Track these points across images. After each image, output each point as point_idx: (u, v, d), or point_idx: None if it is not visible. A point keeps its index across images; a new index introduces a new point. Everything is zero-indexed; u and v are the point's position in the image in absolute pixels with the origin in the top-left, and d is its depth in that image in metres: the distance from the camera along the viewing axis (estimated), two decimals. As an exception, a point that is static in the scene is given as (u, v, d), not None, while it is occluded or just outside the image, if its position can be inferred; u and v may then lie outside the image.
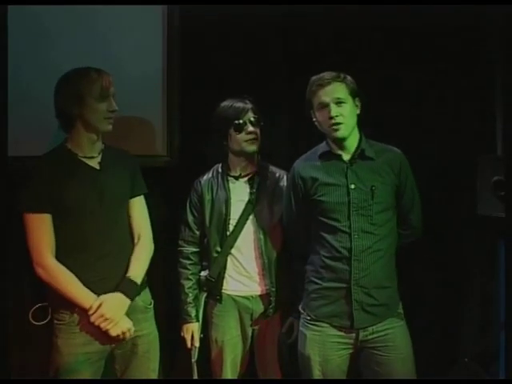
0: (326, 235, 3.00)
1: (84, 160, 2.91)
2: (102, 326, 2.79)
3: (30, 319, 2.93)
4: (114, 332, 2.81)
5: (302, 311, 3.09)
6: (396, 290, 3.10)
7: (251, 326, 3.25)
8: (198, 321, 3.25)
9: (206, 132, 3.60)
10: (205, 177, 3.31)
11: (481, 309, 3.83)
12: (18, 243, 3.42)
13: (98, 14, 3.43)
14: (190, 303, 3.24)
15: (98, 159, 2.93)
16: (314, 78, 3.04)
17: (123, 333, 2.84)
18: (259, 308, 3.23)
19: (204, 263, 3.30)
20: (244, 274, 3.22)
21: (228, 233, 3.20)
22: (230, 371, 3.24)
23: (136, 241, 2.99)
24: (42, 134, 3.38)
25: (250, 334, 3.26)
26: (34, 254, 2.83)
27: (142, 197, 3.05)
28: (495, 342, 3.75)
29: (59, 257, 2.83)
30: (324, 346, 3.00)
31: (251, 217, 3.21)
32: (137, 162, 3.08)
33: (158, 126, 3.59)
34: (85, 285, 2.81)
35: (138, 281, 2.92)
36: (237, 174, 3.25)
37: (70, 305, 2.81)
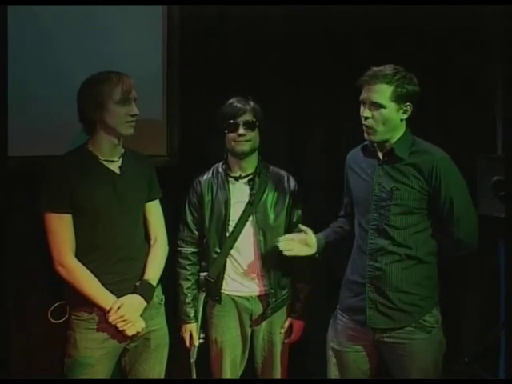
0: (355, 227, 3.02)
1: (105, 163, 2.93)
2: (119, 325, 2.86)
3: (49, 317, 2.97)
4: (130, 332, 2.89)
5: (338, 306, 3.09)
6: (425, 299, 2.96)
7: (250, 326, 3.25)
8: (196, 321, 3.24)
9: (205, 132, 3.61)
10: (204, 176, 3.29)
11: (481, 309, 3.83)
12: (19, 243, 3.45)
13: (98, 14, 3.43)
14: (189, 303, 3.24)
15: (119, 163, 2.96)
16: (374, 68, 2.88)
17: (138, 332, 2.91)
18: (258, 308, 3.23)
19: (203, 264, 3.29)
20: (243, 274, 3.22)
21: (227, 234, 3.19)
22: (229, 371, 3.24)
23: (152, 243, 3.04)
24: (42, 134, 3.38)
25: (249, 334, 3.26)
26: (54, 253, 2.85)
27: (157, 201, 3.11)
28: (495, 341, 3.75)
29: (78, 257, 2.87)
30: (342, 336, 2.99)
31: (251, 218, 3.20)
32: (153, 166, 3.13)
33: (158, 126, 3.59)
34: (104, 286, 2.86)
35: (155, 283, 2.98)
36: (237, 175, 3.24)
37: (89, 304, 2.86)
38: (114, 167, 2.94)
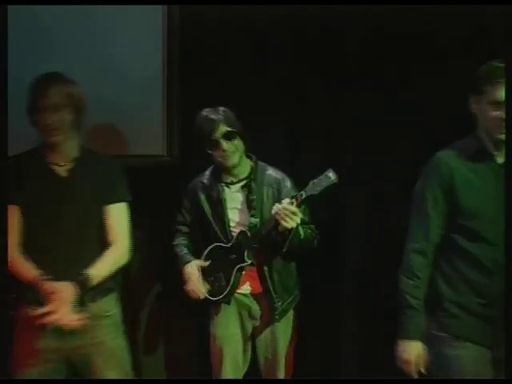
0: (466, 243, 2.67)
1: (52, 166, 2.89)
2: (47, 309, 2.72)
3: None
4: (62, 320, 2.73)
5: (435, 332, 2.73)
6: None
7: (251, 323, 3.22)
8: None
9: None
10: (198, 182, 3.27)
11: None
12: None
13: (97, 14, 3.43)
14: (186, 253, 3.24)
15: (69, 166, 2.89)
16: (497, 64, 2.68)
17: (71, 321, 2.75)
18: (257, 306, 3.20)
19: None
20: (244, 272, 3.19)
21: (228, 235, 3.16)
22: (230, 369, 3.21)
23: (109, 247, 2.91)
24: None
25: (249, 331, 3.23)
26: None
27: (121, 204, 2.97)
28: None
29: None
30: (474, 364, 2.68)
31: (249, 221, 3.15)
32: (120, 169, 3.00)
33: (158, 126, 3.59)
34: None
35: (93, 279, 2.81)
36: (228, 181, 3.20)
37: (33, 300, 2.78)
38: (62, 171, 2.89)
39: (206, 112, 3.13)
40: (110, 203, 2.94)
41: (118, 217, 2.96)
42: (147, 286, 3.67)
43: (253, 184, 3.17)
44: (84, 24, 3.42)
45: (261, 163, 3.24)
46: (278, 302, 3.15)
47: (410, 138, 3.76)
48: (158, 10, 3.54)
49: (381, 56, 3.72)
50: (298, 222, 2.97)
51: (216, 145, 3.08)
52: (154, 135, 3.58)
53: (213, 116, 3.09)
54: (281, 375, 3.24)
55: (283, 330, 3.23)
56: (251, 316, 3.22)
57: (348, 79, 3.75)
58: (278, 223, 2.97)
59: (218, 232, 3.18)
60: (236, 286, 3.13)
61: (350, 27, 3.68)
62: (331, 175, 2.95)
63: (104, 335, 2.90)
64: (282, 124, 3.77)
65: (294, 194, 3.08)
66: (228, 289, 3.11)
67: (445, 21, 3.62)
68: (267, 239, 3.07)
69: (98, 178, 2.92)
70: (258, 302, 3.21)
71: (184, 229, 3.32)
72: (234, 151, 3.10)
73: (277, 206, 2.97)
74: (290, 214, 2.94)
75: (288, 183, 3.21)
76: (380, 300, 3.74)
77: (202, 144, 3.12)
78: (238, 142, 3.12)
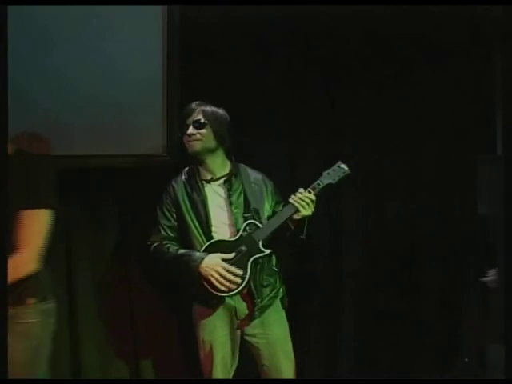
0: None
1: None
2: None
3: None
4: None
5: None
6: None
7: (238, 326, 3.18)
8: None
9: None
10: (178, 180, 3.26)
11: (481, 309, 3.83)
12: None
13: (97, 14, 3.43)
14: (191, 250, 3.13)
15: None
16: None
17: None
18: (243, 306, 3.16)
19: None
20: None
21: (211, 238, 3.14)
22: (220, 371, 3.18)
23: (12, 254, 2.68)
24: (41, 134, 3.38)
25: (237, 332, 3.19)
26: None
27: (38, 211, 2.70)
28: (495, 341, 3.75)
29: None
30: None
31: (231, 220, 3.15)
32: (46, 172, 2.76)
33: (158, 125, 3.59)
34: None
35: None
36: (208, 178, 3.21)
37: None
38: None
39: (189, 104, 3.24)
40: (26, 208, 2.68)
41: (29, 223, 2.70)
42: (148, 283, 3.66)
43: (233, 179, 3.20)
44: (84, 24, 3.42)
45: (240, 164, 3.28)
46: (258, 298, 3.14)
47: (410, 137, 3.77)
48: (158, 10, 3.54)
49: (379, 55, 3.72)
50: (313, 210, 3.08)
51: (185, 129, 3.19)
52: (153, 135, 3.58)
53: (191, 106, 3.22)
54: (281, 373, 3.21)
55: (276, 330, 3.20)
56: (237, 316, 3.17)
57: (348, 79, 3.76)
58: (295, 212, 3.06)
59: (197, 230, 3.15)
60: (251, 277, 3.10)
61: (349, 27, 3.68)
62: (344, 166, 3.11)
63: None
64: (282, 124, 3.77)
65: (277, 193, 3.23)
66: (245, 281, 3.07)
67: (444, 21, 3.63)
68: (283, 228, 3.11)
69: (21, 181, 2.69)
70: (242, 302, 3.16)
71: (170, 233, 3.21)
72: (198, 139, 3.17)
73: (297, 195, 3.07)
74: (310, 201, 3.06)
75: (269, 182, 3.27)
76: (380, 300, 3.75)
77: (180, 129, 3.23)
78: (206, 133, 3.18)
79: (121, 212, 3.63)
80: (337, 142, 3.80)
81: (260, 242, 3.10)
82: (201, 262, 3.06)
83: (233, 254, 3.09)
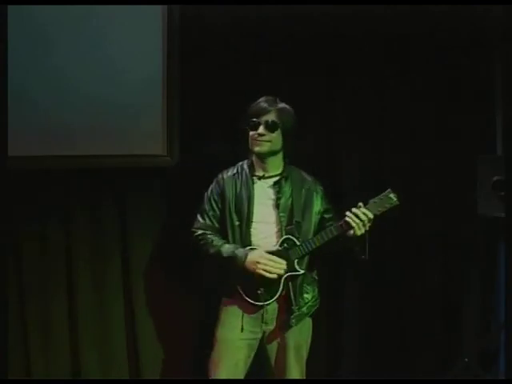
0: None
1: None
2: None
3: None
4: None
5: None
6: None
7: (262, 328, 3.09)
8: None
9: (205, 132, 3.61)
10: (229, 173, 3.20)
11: (481, 309, 3.83)
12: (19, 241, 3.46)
13: (97, 14, 3.43)
14: (235, 246, 3.06)
15: None
16: None
17: None
18: (272, 310, 3.08)
19: None
20: None
21: (249, 234, 3.09)
22: (225, 376, 3.08)
23: None
24: (42, 134, 3.38)
25: (259, 336, 3.10)
26: None
27: None
28: (495, 342, 3.75)
29: None
30: None
31: (275, 220, 3.11)
32: None
33: (158, 126, 3.58)
34: None
35: None
36: (260, 175, 3.15)
37: None
38: None
39: (264, 98, 3.12)
40: None
41: None
42: (148, 283, 3.66)
43: (283, 182, 3.14)
44: (84, 24, 3.42)
45: (292, 166, 3.20)
46: (296, 305, 3.07)
47: (410, 137, 3.77)
48: (158, 10, 3.54)
49: (380, 56, 3.72)
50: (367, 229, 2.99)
51: (255, 126, 3.08)
52: (153, 135, 3.58)
53: (267, 104, 3.09)
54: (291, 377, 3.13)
55: (297, 336, 3.12)
56: (263, 320, 3.08)
57: (348, 79, 3.76)
58: (346, 230, 2.99)
59: (235, 225, 3.10)
60: (281, 294, 3.05)
61: (349, 27, 3.68)
62: (392, 196, 2.98)
63: None
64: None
65: (327, 199, 3.15)
66: (276, 296, 3.03)
67: (444, 21, 3.63)
68: (328, 248, 3.05)
69: None
70: (271, 306, 3.07)
71: (211, 230, 3.15)
72: (268, 140, 3.08)
73: (354, 213, 2.96)
74: (366, 221, 2.97)
75: (320, 187, 3.20)
76: (380, 299, 3.75)
77: (245, 120, 3.11)
78: (276, 136, 3.10)
79: (120, 212, 3.63)
80: (337, 142, 3.80)
81: (296, 261, 3.05)
82: (245, 259, 3.01)
83: (277, 247, 3.05)
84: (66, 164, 3.49)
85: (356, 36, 3.70)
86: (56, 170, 3.49)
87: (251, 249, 3.04)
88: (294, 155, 3.19)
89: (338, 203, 3.22)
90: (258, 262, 2.99)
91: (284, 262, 3.00)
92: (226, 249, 3.06)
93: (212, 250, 3.08)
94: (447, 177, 3.77)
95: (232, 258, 3.03)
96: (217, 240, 3.10)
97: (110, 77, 3.48)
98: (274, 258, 3.01)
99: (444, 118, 3.78)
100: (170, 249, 3.38)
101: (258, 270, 2.99)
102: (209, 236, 3.12)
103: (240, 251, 3.04)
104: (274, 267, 2.99)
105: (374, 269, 3.73)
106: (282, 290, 3.03)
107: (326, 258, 3.18)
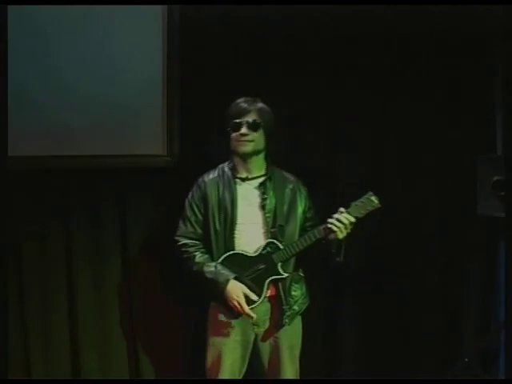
0: None
1: None
2: None
3: None
4: None
5: None
6: None
7: (253, 330, 3.12)
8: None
9: (206, 132, 3.61)
10: (210, 176, 3.20)
11: (481, 309, 3.83)
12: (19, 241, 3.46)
13: (97, 15, 3.43)
14: (219, 267, 3.06)
15: None
16: None
17: None
18: (264, 311, 3.11)
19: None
20: None
21: (235, 235, 3.10)
22: (228, 377, 3.11)
23: None
24: (42, 134, 3.38)
25: (251, 338, 3.12)
26: None
27: None
28: (495, 342, 3.75)
29: None
30: None
31: (261, 221, 3.12)
32: None
33: (158, 126, 3.59)
34: None
35: None
36: (243, 176, 3.15)
37: None
38: None
39: (243, 99, 3.13)
40: None
41: None
42: (147, 283, 3.66)
43: (268, 183, 3.14)
44: (84, 24, 3.42)
45: (274, 166, 3.21)
46: (287, 305, 3.08)
47: (410, 137, 3.77)
48: (158, 10, 3.54)
49: (380, 56, 3.72)
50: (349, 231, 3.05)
51: (238, 127, 3.09)
52: (153, 135, 3.58)
53: (247, 104, 3.11)
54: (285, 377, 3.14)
55: (289, 335, 3.14)
56: (254, 322, 3.10)
57: (348, 79, 3.76)
58: (328, 233, 3.03)
59: (217, 229, 3.10)
60: (265, 297, 3.07)
61: (349, 27, 3.68)
62: (374, 199, 3.03)
63: None
64: (281, 123, 3.76)
65: (310, 198, 3.17)
66: (260, 301, 3.05)
67: (444, 21, 3.63)
68: (313, 250, 3.07)
69: None
70: (262, 307, 3.09)
71: (194, 236, 3.17)
72: (251, 140, 3.09)
73: (336, 217, 3.01)
74: (348, 224, 3.02)
75: (303, 187, 3.22)
76: (380, 299, 3.75)
77: (227, 121, 3.12)
78: (258, 135, 3.11)
79: (120, 212, 3.63)
80: (335, 139, 3.80)
81: (279, 264, 3.06)
82: (226, 286, 3.04)
83: (250, 271, 3.07)
84: (66, 164, 3.49)
85: (356, 36, 3.70)
86: (56, 170, 3.49)
87: (235, 278, 3.05)
88: (293, 155, 3.19)
89: (338, 203, 3.21)
90: (235, 299, 3.02)
91: (253, 315, 3.03)
92: (208, 270, 3.06)
93: (195, 268, 3.09)
94: (447, 177, 3.77)
95: (214, 281, 3.05)
96: (199, 255, 3.11)
97: (110, 77, 3.48)
98: (250, 296, 3.03)
99: (444, 118, 3.78)
100: (170, 249, 3.37)
101: (233, 302, 3.03)
102: (191, 249, 3.12)
103: (222, 276, 3.04)
104: (246, 312, 3.02)
105: (374, 269, 3.74)
106: (265, 295, 3.06)
107: (325, 259, 3.18)
